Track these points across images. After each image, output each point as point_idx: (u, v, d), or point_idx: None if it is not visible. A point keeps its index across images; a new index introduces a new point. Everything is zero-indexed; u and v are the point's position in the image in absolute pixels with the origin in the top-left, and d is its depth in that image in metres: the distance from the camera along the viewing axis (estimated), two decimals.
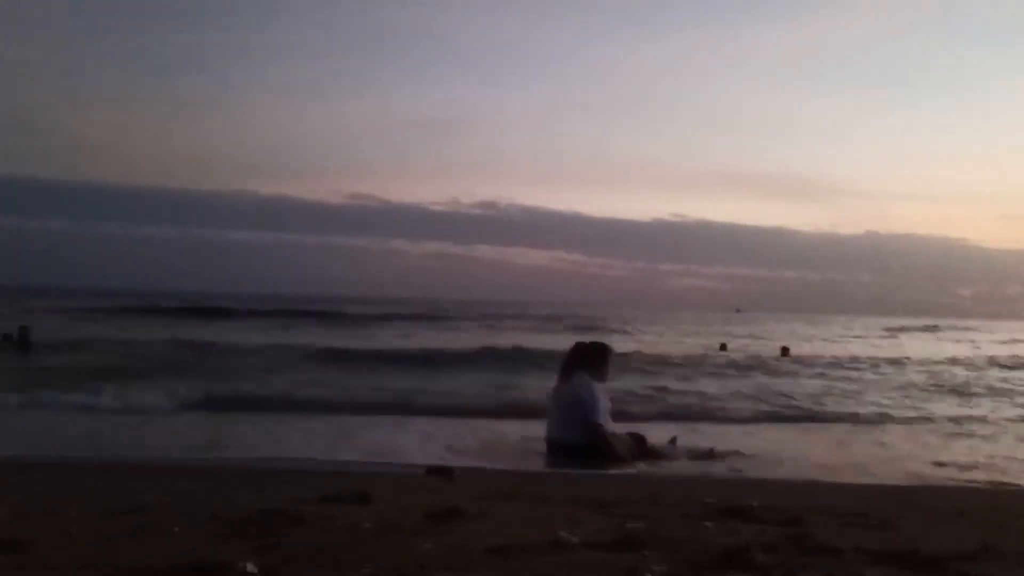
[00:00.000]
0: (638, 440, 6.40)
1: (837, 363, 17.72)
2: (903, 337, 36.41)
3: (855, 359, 19.11)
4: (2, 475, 4.86)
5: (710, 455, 6.45)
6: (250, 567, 2.27)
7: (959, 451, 7.22)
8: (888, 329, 42.58)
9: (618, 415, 6.87)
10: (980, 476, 5.97)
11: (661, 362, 16.51)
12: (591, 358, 6.48)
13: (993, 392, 13.04)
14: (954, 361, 19.41)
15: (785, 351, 20.41)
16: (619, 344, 12.00)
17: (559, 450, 6.28)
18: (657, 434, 6.90)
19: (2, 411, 8.44)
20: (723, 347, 22.22)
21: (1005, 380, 15.00)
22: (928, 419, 9.67)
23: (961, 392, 12.90)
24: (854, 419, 9.54)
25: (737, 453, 6.57)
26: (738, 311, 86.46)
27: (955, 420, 9.54)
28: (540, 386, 9.06)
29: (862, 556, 2.61)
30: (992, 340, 33.47)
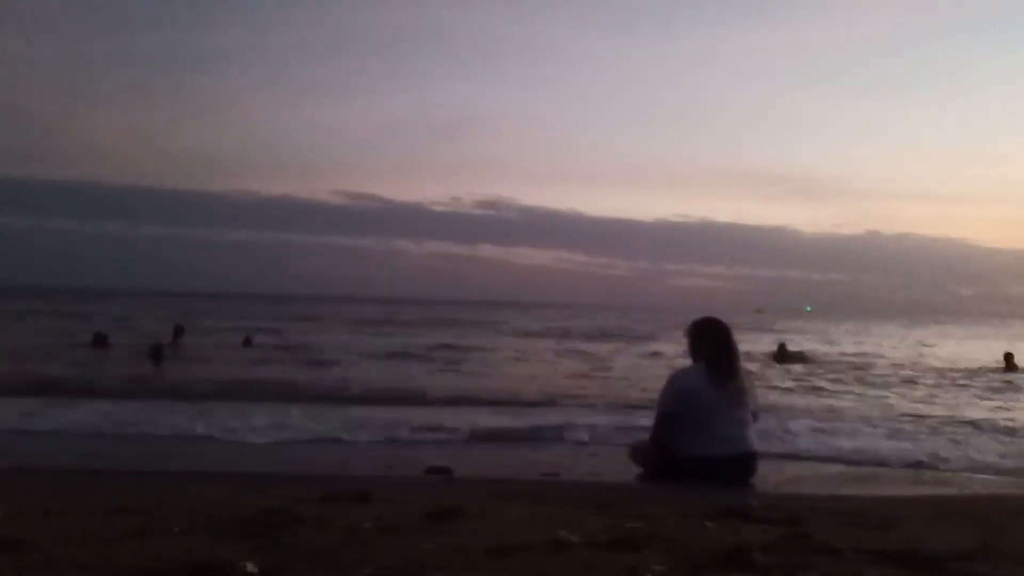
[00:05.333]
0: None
1: None
2: None
3: None
4: (2, 475, 4.86)
5: None
6: (250, 567, 2.27)
7: None
8: None
9: None
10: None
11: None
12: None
13: None
14: None
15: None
16: None
17: (740, 472, 4.85)
18: None
19: None
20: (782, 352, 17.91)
21: None
22: None
23: None
24: None
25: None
26: (758, 311, 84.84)
27: None
28: None
29: (862, 556, 2.61)
30: None
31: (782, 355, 17.70)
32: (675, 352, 18.16)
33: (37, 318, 31.42)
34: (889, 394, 12.43)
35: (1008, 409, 10.51)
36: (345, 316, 42.36)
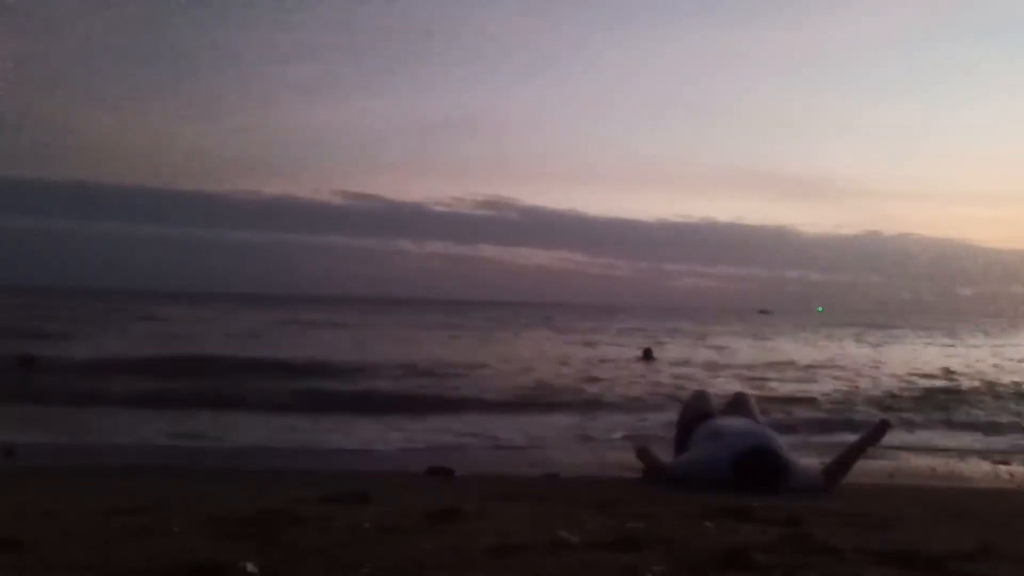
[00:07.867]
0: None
1: None
2: None
3: None
4: (2, 475, 4.86)
5: None
6: (250, 567, 2.27)
7: None
8: None
9: None
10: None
11: None
12: None
13: None
14: None
15: None
16: None
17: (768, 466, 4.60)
18: None
19: None
20: (647, 354, 18.81)
21: None
22: None
23: None
24: None
25: None
26: (763, 312, 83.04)
27: None
28: None
29: (862, 556, 2.61)
30: None
31: (647, 356, 19.38)
32: None
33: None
34: None
35: None
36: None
